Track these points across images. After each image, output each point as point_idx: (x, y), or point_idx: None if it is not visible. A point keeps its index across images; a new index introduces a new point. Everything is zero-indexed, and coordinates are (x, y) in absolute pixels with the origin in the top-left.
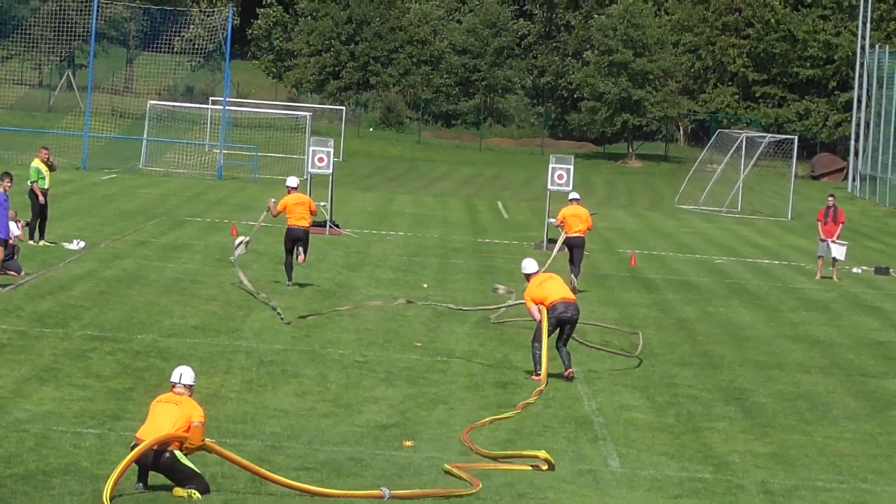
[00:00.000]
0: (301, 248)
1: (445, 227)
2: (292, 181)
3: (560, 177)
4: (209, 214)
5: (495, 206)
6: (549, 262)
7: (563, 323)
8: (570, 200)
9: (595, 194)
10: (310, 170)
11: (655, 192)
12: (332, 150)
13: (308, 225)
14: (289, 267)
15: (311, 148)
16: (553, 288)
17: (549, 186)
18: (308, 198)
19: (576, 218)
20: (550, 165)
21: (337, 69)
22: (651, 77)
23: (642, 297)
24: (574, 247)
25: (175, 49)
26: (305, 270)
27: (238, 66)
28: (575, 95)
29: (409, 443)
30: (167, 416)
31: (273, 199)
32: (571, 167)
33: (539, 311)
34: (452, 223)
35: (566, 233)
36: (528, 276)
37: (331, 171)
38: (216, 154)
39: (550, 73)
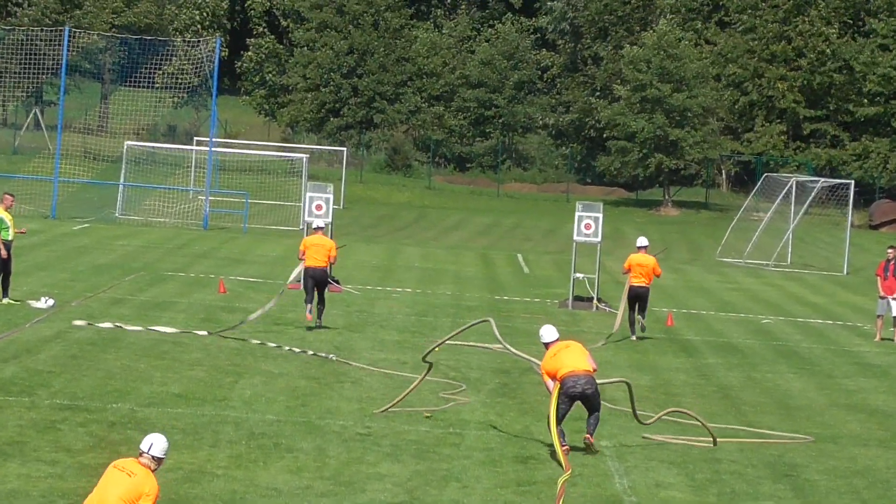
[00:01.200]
0: (318, 291)
1: (458, 283)
2: (318, 221)
3: (588, 226)
4: (194, 269)
5: (515, 260)
6: (618, 320)
7: (574, 398)
8: (638, 248)
9: (627, 246)
10: (306, 218)
11: (694, 244)
12: (331, 197)
13: (325, 265)
14: (308, 301)
15: (308, 194)
16: (566, 359)
17: (576, 237)
18: (331, 242)
19: (640, 267)
20: (577, 214)
21: (337, 106)
22: (689, 114)
23: (680, 361)
24: (638, 297)
25: (156, 84)
26: (301, 332)
27: (226, 103)
28: (604, 135)
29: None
30: (115, 488)
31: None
32: (600, 216)
33: (552, 385)
34: (466, 278)
35: (629, 282)
36: (545, 346)
37: (329, 219)
38: (201, 201)
39: (576, 110)
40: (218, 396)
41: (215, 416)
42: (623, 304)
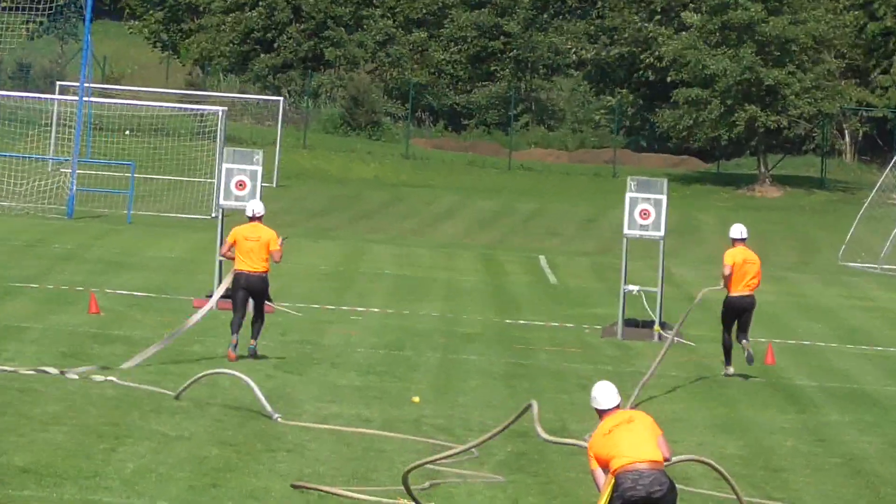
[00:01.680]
0: (255, 304)
1: (451, 299)
2: (256, 206)
3: (645, 214)
4: (52, 277)
5: (535, 264)
6: (662, 358)
7: None
8: (736, 241)
9: (704, 242)
10: (222, 202)
11: (804, 240)
12: (260, 169)
13: (264, 271)
14: (235, 324)
15: (225, 165)
16: (624, 443)
17: (627, 231)
18: (271, 233)
19: (749, 266)
20: (628, 195)
21: (269, 35)
22: (794, 48)
23: (786, 417)
24: (744, 312)
25: (1, 4)
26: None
27: (106, 31)
28: (667, 79)
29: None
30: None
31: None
32: (664, 197)
33: (602, 478)
34: (463, 292)
35: (729, 291)
36: (599, 413)
37: (258, 206)
38: (66, 176)
39: (626, 42)
40: (85, 472)
41: (80, 502)
42: (681, 320)
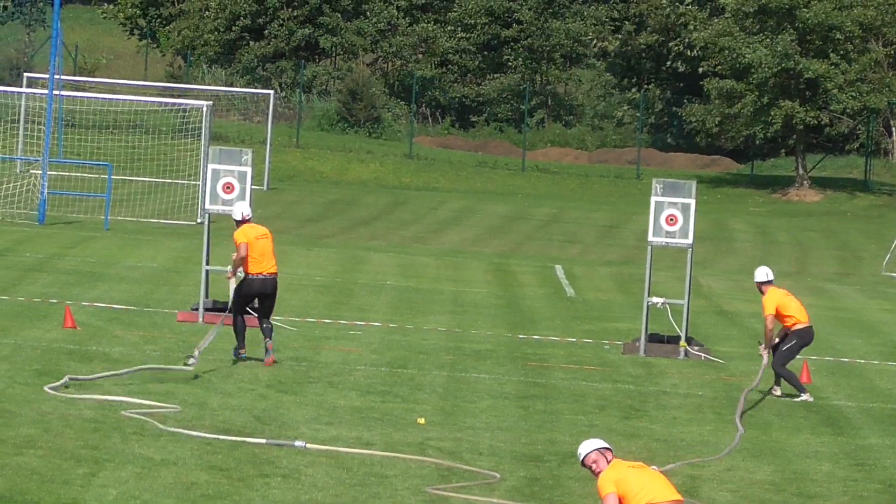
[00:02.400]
0: (269, 307)
1: (459, 313)
2: (243, 207)
3: (672, 220)
4: (23, 289)
5: (551, 274)
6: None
7: None
8: (762, 284)
9: (736, 251)
10: (208, 206)
11: (846, 248)
12: (249, 170)
13: (277, 271)
14: (242, 331)
15: (211, 166)
16: (642, 484)
17: (652, 238)
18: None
19: (795, 308)
20: (653, 198)
21: (259, 23)
22: (838, 37)
23: (823, 440)
24: (805, 343)
25: None
26: (203, 394)
27: (78, 18)
28: (699, 70)
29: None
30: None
31: (228, 268)
32: (692, 202)
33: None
34: (472, 305)
35: (787, 327)
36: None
37: (247, 207)
38: (36, 178)
39: (653, 29)
40: (63, 499)
41: None
42: (766, 357)
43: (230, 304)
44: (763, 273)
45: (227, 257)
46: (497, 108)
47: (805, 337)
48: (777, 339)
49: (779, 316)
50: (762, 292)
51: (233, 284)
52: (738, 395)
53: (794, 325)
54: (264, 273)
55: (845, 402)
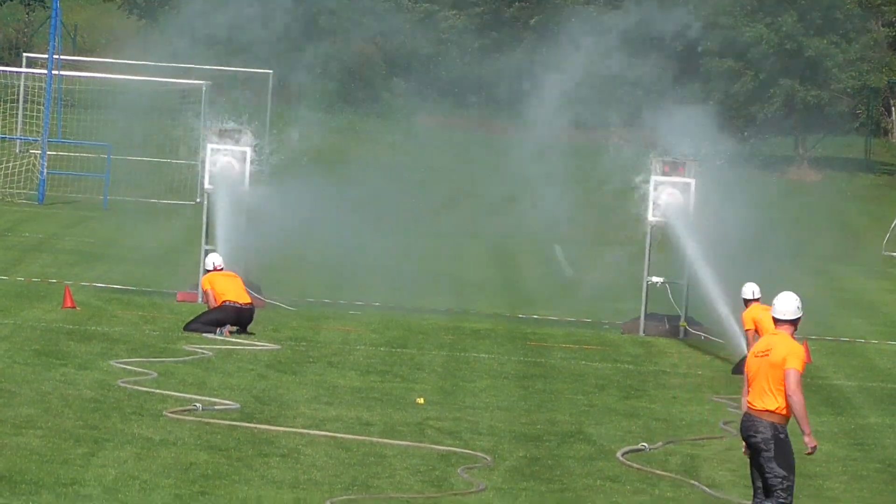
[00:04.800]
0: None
1: (459, 293)
2: (215, 259)
3: (672, 196)
4: (22, 269)
5: (549, 253)
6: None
7: None
8: (749, 301)
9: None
10: (207, 186)
11: (846, 228)
12: (248, 151)
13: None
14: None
15: (210, 146)
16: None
17: (650, 215)
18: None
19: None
20: (652, 177)
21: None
22: (838, 16)
23: (823, 420)
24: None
25: None
26: (202, 374)
27: None
28: (699, 48)
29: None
30: None
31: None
32: (692, 181)
33: None
34: (471, 285)
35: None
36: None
37: (246, 186)
38: (36, 158)
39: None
40: (63, 479)
41: None
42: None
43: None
44: (749, 291)
45: (226, 236)
46: (497, 88)
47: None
48: None
49: (758, 331)
50: (746, 306)
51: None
52: (738, 374)
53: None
54: (236, 301)
55: (845, 381)
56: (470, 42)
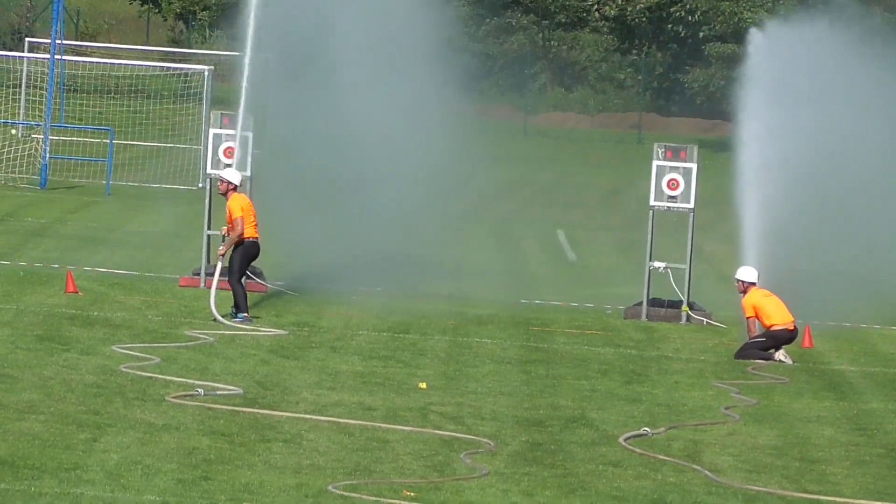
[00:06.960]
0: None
1: (462, 278)
2: (232, 175)
3: (673, 184)
4: (24, 254)
5: (553, 239)
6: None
7: None
8: (747, 284)
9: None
10: (210, 170)
11: None
12: (250, 135)
13: None
14: (244, 295)
15: (213, 130)
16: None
17: (653, 202)
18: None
19: (772, 302)
20: (654, 162)
21: None
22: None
23: (825, 405)
24: (774, 346)
25: None
26: (205, 359)
27: None
28: (700, 34)
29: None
30: None
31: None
32: (694, 166)
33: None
34: (474, 270)
35: (766, 326)
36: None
37: (248, 172)
38: (38, 143)
39: None
40: (65, 464)
41: (60, 497)
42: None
43: (230, 271)
44: (748, 272)
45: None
46: (498, 73)
47: (779, 339)
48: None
49: (758, 317)
50: (743, 291)
51: (222, 263)
52: (741, 359)
53: (771, 326)
54: (257, 238)
55: (847, 366)
56: (474, 29)
